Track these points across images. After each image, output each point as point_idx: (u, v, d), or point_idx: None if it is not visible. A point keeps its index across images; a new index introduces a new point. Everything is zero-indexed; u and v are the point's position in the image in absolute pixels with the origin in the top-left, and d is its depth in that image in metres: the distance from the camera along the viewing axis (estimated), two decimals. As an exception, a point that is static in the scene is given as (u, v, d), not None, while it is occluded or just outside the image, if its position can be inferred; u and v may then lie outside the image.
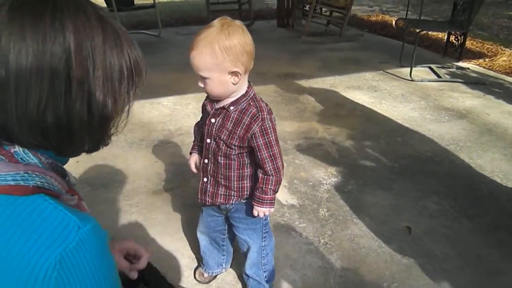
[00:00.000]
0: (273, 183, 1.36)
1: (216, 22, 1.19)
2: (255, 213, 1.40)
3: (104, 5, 5.99)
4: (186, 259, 1.92)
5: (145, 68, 0.71)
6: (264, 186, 1.36)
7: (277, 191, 1.39)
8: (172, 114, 3.41)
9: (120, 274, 0.86)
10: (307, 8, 6.44)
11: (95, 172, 2.58)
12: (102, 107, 0.62)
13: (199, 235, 1.70)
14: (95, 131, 0.65)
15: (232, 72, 1.20)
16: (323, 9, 6.46)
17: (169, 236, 2.06)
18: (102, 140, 0.69)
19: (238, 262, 1.79)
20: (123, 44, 0.64)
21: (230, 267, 1.83)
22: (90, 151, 0.69)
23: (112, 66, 0.62)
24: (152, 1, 5.98)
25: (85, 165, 2.65)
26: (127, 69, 0.65)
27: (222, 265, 1.77)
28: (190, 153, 1.57)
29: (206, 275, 1.77)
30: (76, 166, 2.63)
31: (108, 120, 0.66)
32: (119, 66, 0.63)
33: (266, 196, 1.37)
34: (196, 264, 1.88)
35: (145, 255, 0.92)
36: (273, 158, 1.32)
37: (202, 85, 1.26)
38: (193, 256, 1.93)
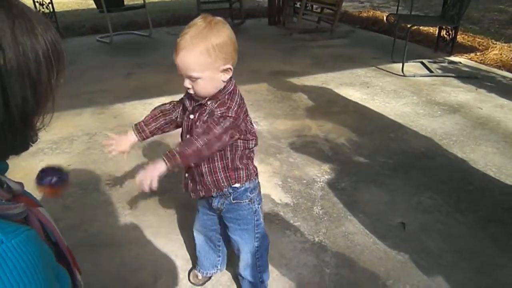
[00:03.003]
0: (191, 143, 1.20)
1: (201, 21, 1.17)
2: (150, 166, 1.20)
3: (94, 6, 5.96)
4: (180, 261, 1.91)
5: (63, 51, 0.63)
6: (181, 143, 1.25)
7: (187, 157, 1.20)
8: (164, 115, 3.38)
9: None
10: (298, 5, 6.43)
11: (87, 176, 2.56)
12: (22, 102, 0.57)
13: (195, 233, 1.69)
14: (19, 129, 0.59)
15: (224, 70, 1.20)
16: (314, 6, 6.45)
17: (163, 238, 2.04)
18: (29, 138, 0.63)
19: (233, 262, 1.78)
20: (35, 27, 0.58)
21: (225, 268, 1.82)
22: (18, 151, 0.63)
23: (26, 54, 0.56)
24: (142, 1, 5.95)
25: (77, 169, 2.63)
26: (44, 55, 0.58)
27: (217, 266, 1.76)
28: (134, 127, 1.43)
29: (200, 276, 1.76)
30: (68, 170, 2.60)
31: (31, 114, 0.60)
32: (34, 53, 0.57)
33: (176, 149, 1.20)
34: (190, 266, 1.86)
35: None
36: (213, 122, 1.22)
37: (189, 86, 1.22)
38: (188, 257, 1.92)
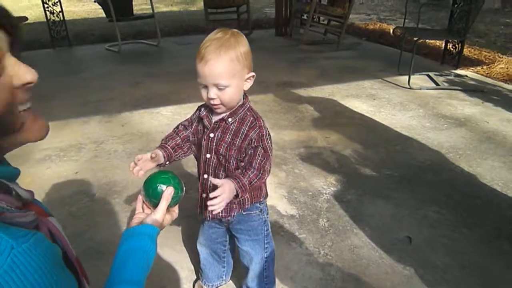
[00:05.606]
0: (254, 175, 1.22)
1: (222, 32, 1.19)
2: (217, 182, 1.15)
3: (103, 15, 6.04)
4: (185, 272, 1.91)
5: (13, 19, 0.59)
6: (244, 171, 1.23)
7: (252, 184, 1.22)
8: (171, 124, 3.40)
9: None
10: (305, 17, 6.48)
11: (94, 184, 2.57)
12: None
13: (199, 247, 1.69)
14: None
15: (248, 78, 1.24)
16: (321, 18, 6.50)
17: (168, 248, 2.04)
18: None
19: (238, 274, 1.78)
20: None
21: (230, 279, 1.81)
22: None
23: None
24: (151, 11, 6.02)
25: (84, 176, 2.65)
26: None
27: (222, 277, 1.76)
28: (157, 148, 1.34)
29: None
30: (75, 177, 2.62)
31: None
32: None
33: (243, 179, 1.20)
34: (195, 277, 1.86)
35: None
36: (264, 158, 1.25)
37: (215, 96, 1.18)
38: (193, 268, 1.92)
